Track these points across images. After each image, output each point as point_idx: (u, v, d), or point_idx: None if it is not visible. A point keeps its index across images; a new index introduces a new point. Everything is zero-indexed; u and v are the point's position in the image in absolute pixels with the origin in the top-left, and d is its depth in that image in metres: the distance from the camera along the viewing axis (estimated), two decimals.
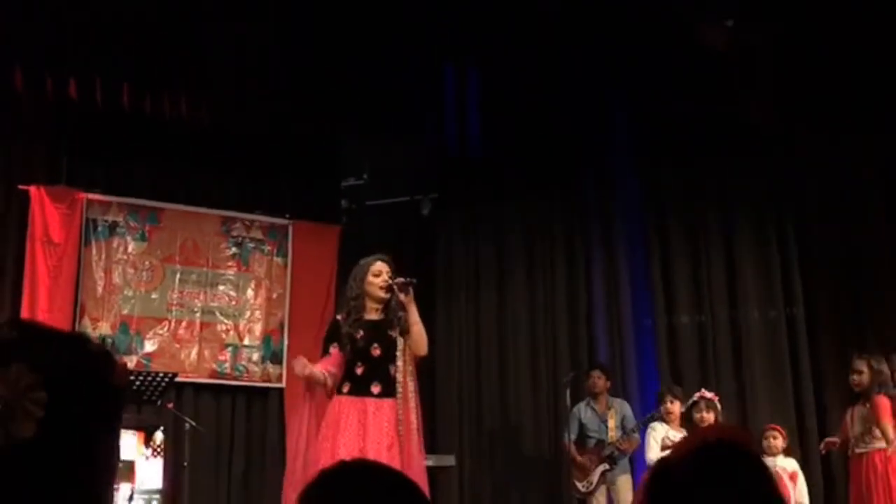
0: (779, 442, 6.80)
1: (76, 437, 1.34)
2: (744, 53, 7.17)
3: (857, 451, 6.28)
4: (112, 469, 1.47)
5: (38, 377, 1.30)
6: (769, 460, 5.97)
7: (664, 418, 6.99)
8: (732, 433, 1.63)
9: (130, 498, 6.45)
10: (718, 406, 6.81)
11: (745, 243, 8.25)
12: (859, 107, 7.31)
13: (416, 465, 4.83)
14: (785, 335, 7.95)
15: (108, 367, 1.43)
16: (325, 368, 4.91)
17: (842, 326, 7.72)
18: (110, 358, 1.44)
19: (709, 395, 6.86)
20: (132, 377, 6.70)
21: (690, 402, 6.90)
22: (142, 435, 6.81)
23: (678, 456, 1.55)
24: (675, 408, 6.98)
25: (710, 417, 6.71)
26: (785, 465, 6.73)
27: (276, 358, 8.63)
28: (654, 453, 6.71)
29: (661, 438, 6.82)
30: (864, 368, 6.26)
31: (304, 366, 4.81)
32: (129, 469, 6.57)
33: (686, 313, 8.31)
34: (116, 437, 1.52)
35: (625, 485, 7.41)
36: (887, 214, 7.60)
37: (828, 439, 6.75)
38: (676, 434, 6.77)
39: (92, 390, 1.39)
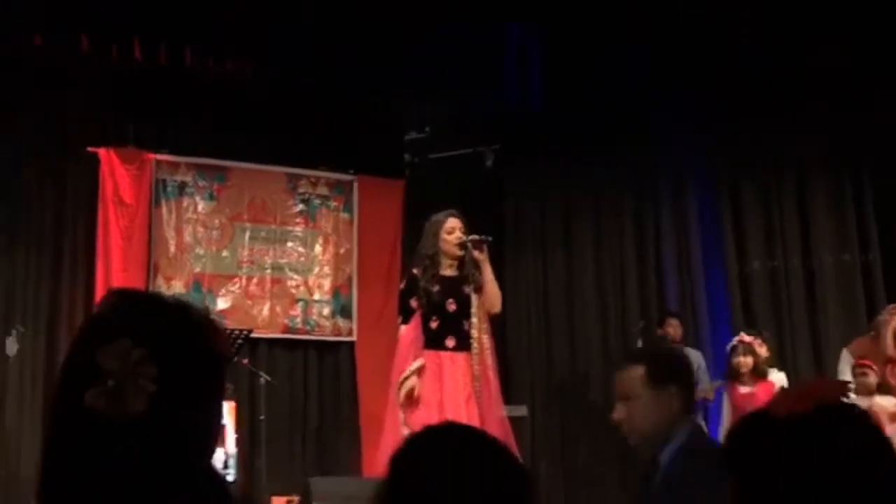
0: (871, 379, 6.10)
1: (186, 408, 1.33)
2: None
3: None
4: (217, 436, 1.46)
5: (146, 351, 1.28)
6: (864, 400, 5.76)
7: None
8: (833, 391, 1.52)
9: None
10: (759, 350, 6.66)
11: (818, 188, 8.10)
12: None
13: (495, 417, 4.89)
14: (860, 281, 7.78)
15: (213, 335, 1.41)
16: (414, 338, 4.87)
17: None
18: (214, 325, 1.42)
19: (747, 338, 6.77)
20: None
21: (729, 346, 6.85)
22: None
23: (784, 414, 1.44)
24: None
25: (748, 362, 6.66)
26: (884, 404, 6.10)
27: (345, 312, 8.73)
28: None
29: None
30: None
31: (410, 389, 4.80)
32: None
33: (758, 259, 8.24)
34: (221, 405, 1.50)
35: None
36: None
37: None
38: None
39: (198, 360, 1.37)
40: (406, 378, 4.84)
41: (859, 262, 7.82)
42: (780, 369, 7.11)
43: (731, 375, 6.81)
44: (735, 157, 8.44)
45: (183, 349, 1.34)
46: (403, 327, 4.97)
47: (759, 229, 8.29)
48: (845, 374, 6.02)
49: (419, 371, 4.83)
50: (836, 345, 7.59)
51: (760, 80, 7.90)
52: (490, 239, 5.03)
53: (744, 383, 6.72)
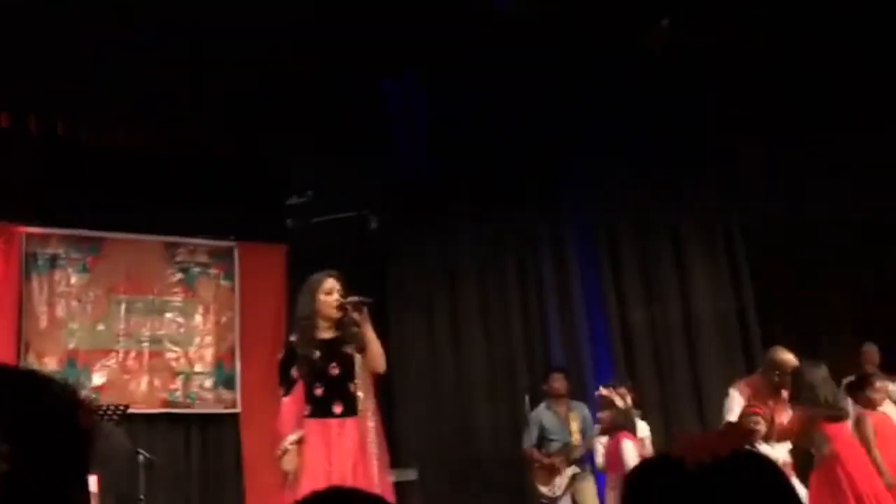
0: (762, 427, 6.01)
1: (44, 487, 1.26)
2: (680, 55, 7.23)
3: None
4: None
5: None
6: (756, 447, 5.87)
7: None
8: (740, 438, 1.52)
9: None
10: (618, 402, 6.77)
11: (693, 239, 8.36)
12: (801, 113, 7.43)
13: (382, 482, 4.76)
14: (736, 327, 8.04)
15: (75, 408, 1.35)
16: (296, 410, 4.79)
17: (794, 314, 7.81)
18: (76, 397, 1.36)
19: (605, 391, 6.85)
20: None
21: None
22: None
23: (688, 460, 1.40)
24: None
25: (606, 416, 6.73)
26: (776, 455, 5.95)
27: (229, 383, 8.57)
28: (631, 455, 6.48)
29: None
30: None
31: (291, 462, 4.70)
32: None
33: (638, 310, 8.44)
34: (86, 483, 1.44)
35: (589, 490, 7.44)
36: (830, 214, 7.69)
37: None
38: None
39: (58, 435, 1.30)
40: (284, 452, 4.72)
41: (734, 309, 8.08)
42: (643, 418, 7.30)
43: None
44: (614, 215, 8.69)
45: (41, 423, 1.29)
46: (285, 399, 4.85)
47: (637, 281, 8.51)
48: (733, 413, 6.07)
49: (299, 443, 4.72)
50: (717, 389, 7.82)
51: (635, 142, 8.17)
52: (370, 300, 4.93)
53: (607, 434, 6.83)
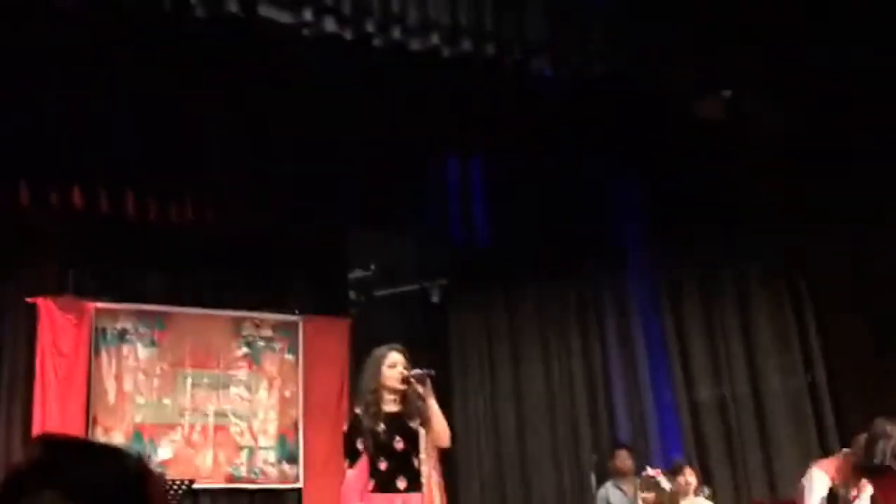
0: (693, 479, 6.64)
1: None
2: (744, 124, 7.22)
3: None
4: None
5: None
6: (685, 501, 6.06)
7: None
8: None
9: None
10: (664, 484, 6.59)
11: (760, 310, 8.21)
12: (863, 165, 7.33)
13: None
14: (808, 402, 7.84)
15: (147, 482, 1.36)
16: (360, 482, 4.77)
17: (866, 389, 7.59)
18: (148, 471, 1.37)
19: (651, 472, 6.66)
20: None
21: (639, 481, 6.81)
22: None
23: None
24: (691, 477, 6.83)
25: (648, 497, 6.55)
26: None
27: (291, 458, 8.58)
28: None
29: None
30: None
31: None
32: None
33: (706, 387, 8.29)
34: None
35: None
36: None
37: None
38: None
39: (127, 502, 1.32)
40: None
41: (805, 384, 7.92)
42: (712, 499, 7.12)
43: None
44: (678, 284, 8.60)
45: (110, 491, 1.30)
46: (350, 472, 4.76)
47: (705, 356, 8.38)
48: (820, 491, 5.89)
49: None
50: (790, 468, 7.61)
51: (700, 205, 8.14)
52: (433, 372, 4.90)
53: None
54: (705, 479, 7.54)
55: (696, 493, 6.80)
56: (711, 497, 7.25)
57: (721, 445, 8.09)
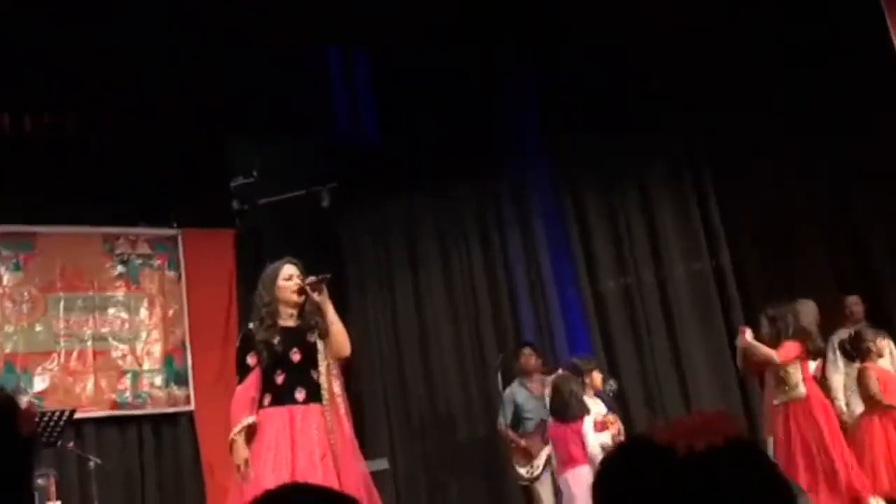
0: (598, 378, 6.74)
1: None
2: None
3: (775, 402, 6.29)
4: None
5: None
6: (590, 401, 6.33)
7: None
8: (731, 425, 1.42)
9: None
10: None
11: (663, 197, 8.36)
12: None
13: (355, 473, 4.70)
14: (714, 289, 8.04)
15: (13, 416, 1.27)
16: (249, 397, 4.73)
17: (770, 272, 7.83)
18: (13, 404, 1.29)
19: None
20: None
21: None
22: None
23: (680, 446, 1.35)
24: (597, 377, 6.91)
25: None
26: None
27: (180, 379, 8.40)
28: (592, 437, 6.24)
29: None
30: (764, 322, 6.35)
31: (240, 454, 4.60)
32: None
33: (610, 278, 8.47)
34: (30, 494, 1.37)
35: None
36: (798, 160, 7.73)
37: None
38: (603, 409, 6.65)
39: None
40: (232, 443, 4.62)
41: (711, 270, 8.11)
42: (619, 391, 7.39)
43: None
44: (578, 175, 8.68)
45: None
46: (238, 388, 4.79)
47: (608, 246, 8.50)
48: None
49: (251, 432, 4.66)
50: (697, 356, 7.84)
51: (599, 97, 8.12)
52: (329, 275, 4.91)
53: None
54: (612, 371, 7.73)
55: (601, 389, 6.87)
56: (617, 391, 7.42)
57: (628, 335, 8.26)
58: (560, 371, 6.73)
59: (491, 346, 8.59)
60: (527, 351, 7.83)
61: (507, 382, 7.70)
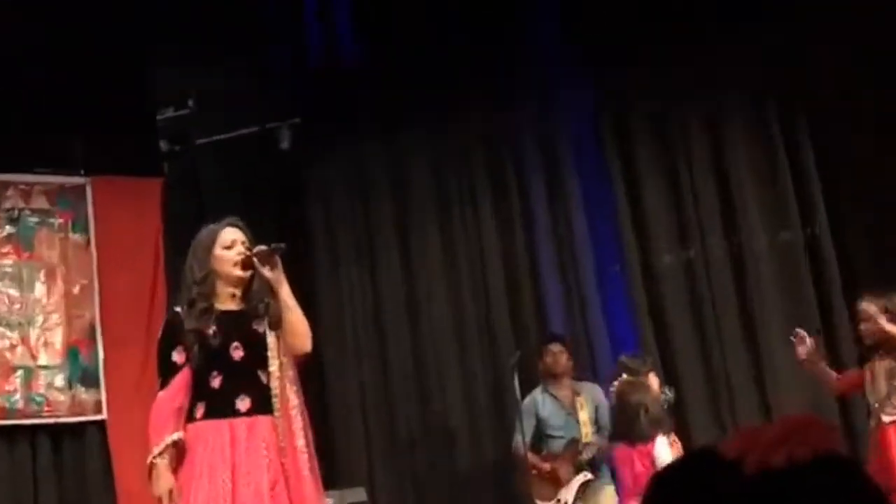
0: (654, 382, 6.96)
1: None
2: None
3: (885, 418, 6.46)
4: None
5: None
6: None
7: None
8: (825, 436, 1.43)
9: None
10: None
11: (741, 146, 8.30)
12: None
13: None
14: (806, 264, 8.05)
15: None
16: (177, 405, 4.72)
17: (883, 246, 7.78)
18: None
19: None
20: None
21: None
22: None
23: (750, 462, 1.37)
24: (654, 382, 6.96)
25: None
26: None
27: (89, 379, 8.43)
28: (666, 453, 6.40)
29: None
30: (873, 312, 6.50)
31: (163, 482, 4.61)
32: None
33: (668, 252, 8.44)
34: None
35: (608, 501, 7.38)
36: None
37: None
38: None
39: None
40: (151, 468, 4.59)
41: (803, 241, 8.11)
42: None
43: None
44: (626, 110, 8.64)
45: None
46: (160, 394, 4.78)
47: (665, 208, 8.42)
48: None
49: (176, 451, 4.62)
50: (781, 355, 7.79)
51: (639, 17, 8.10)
52: (283, 246, 4.86)
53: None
54: (667, 374, 7.67)
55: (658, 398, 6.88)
56: (674, 401, 7.39)
57: (689, 326, 8.29)
58: (624, 375, 6.73)
59: (505, 339, 8.59)
60: (554, 347, 7.78)
61: (526, 389, 7.67)
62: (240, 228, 4.95)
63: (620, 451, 6.46)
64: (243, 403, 4.72)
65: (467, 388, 8.77)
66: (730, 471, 1.36)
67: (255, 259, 4.81)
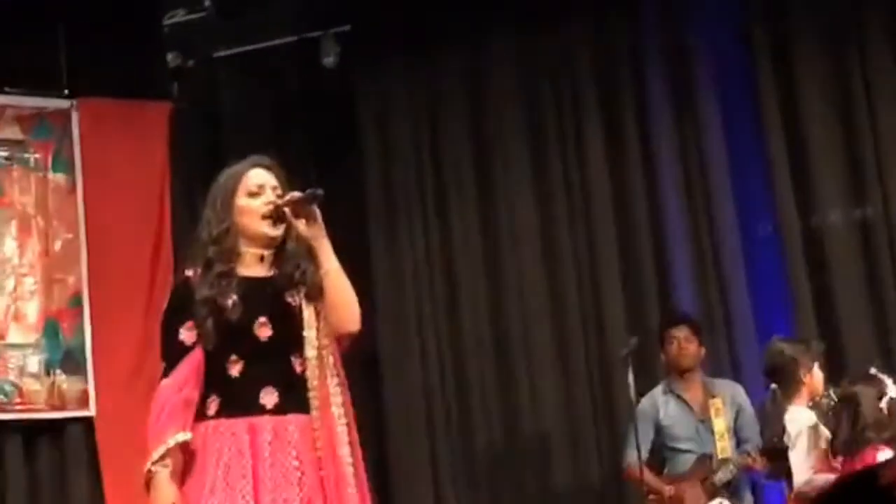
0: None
1: None
2: None
3: None
4: None
5: None
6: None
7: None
8: None
9: None
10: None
11: None
12: None
13: None
14: None
15: None
16: (184, 397, 4.71)
17: None
18: None
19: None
20: None
21: None
22: None
23: None
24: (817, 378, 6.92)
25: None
26: None
27: (72, 362, 8.61)
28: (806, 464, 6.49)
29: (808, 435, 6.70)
30: None
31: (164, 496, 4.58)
32: None
33: (837, 208, 8.44)
34: None
35: None
36: None
37: None
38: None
39: None
40: (149, 478, 4.57)
41: None
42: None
43: None
44: (783, 18, 8.65)
45: None
46: (165, 382, 4.72)
47: (834, 153, 8.39)
48: None
49: (185, 455, 4.61)
50: None
51: None
52: (320, 193, 4.81)
53: None
54: (831, 366, 7.62)
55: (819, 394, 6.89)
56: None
57: (863, 304, 8.26)
58: (872, 374, 6.70)
59: (616, 321, 8.72)
60: (680, 332, 7.81)
61: (644, 387, 7.76)
62: (270, 169, 4.90)
63: (844, 463, 6.45)
64: (270, 397, 4.70)
65: (565, 387, 8.87)
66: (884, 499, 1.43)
67: (285, 209, 4.79)
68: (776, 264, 8.54)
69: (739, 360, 8.30)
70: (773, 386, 6.84)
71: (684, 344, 7.75)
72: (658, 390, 7.79)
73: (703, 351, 7.81)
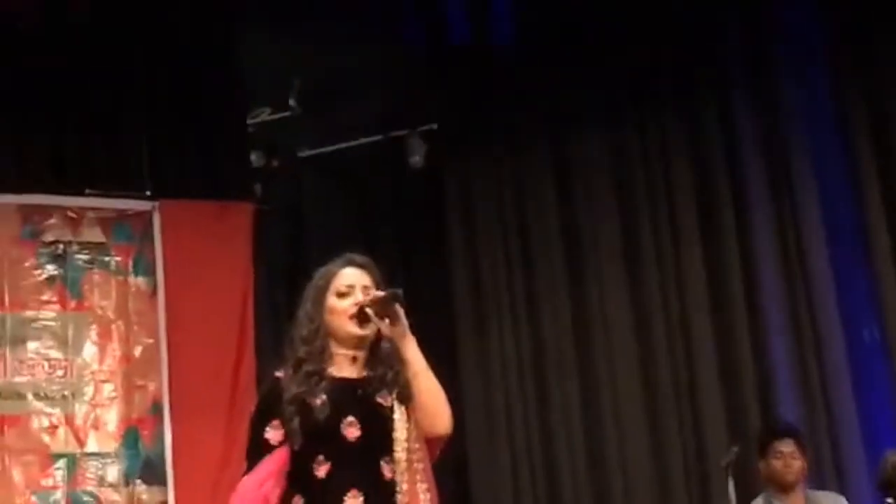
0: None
1: None
2: None
3: None
4: None
5: None
6: None
7: None
8: None
9: None
10: None
11: None
12: None
13: None
14: None
15: None
16: (264, 496, 4.68)
17: None
18: None
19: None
20: None
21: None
22: None
23: None
24: None
25: None
26: None
27: (152, 471, 8.59)
28: None
29: None
30: None
31: None
32: None
33: None
34: None
35: None
36: None
37: None
38: None
39: None
40: None
41: None
42: None
43: None
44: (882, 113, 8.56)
45: None
46: (243, 481, 4.72)
47: None
48: None
49: None
50: None
51: None
52: (399, 292, 4.78)
53: None
54: None
55: None
56: None
57: None
58: None
59: (716, 426, 8.67)
60: (786, 446, 7.66)
61: (744, 499, 7.63)
62: (363, 268, 4.91)
63: None
64: (355, 501, 4.67)
65: (661, 495, 8.82)
66: None
67: (368, 308, 4.84)
68: (882, 369, 8.36)
69: (844, 469, 8.14)
70: (889, 501, 6.74)
71: (790, 460, 7.57)
72: (758, 501, 7.66)
73: (806, 465, 7.63)
